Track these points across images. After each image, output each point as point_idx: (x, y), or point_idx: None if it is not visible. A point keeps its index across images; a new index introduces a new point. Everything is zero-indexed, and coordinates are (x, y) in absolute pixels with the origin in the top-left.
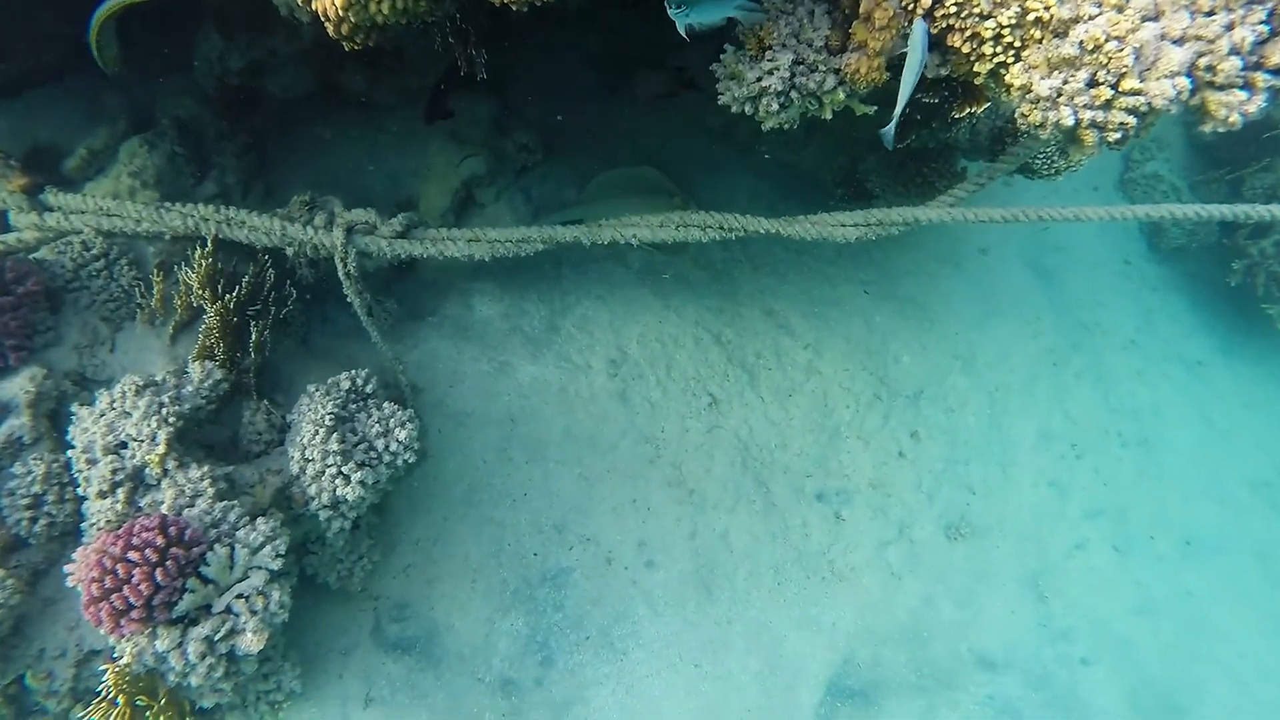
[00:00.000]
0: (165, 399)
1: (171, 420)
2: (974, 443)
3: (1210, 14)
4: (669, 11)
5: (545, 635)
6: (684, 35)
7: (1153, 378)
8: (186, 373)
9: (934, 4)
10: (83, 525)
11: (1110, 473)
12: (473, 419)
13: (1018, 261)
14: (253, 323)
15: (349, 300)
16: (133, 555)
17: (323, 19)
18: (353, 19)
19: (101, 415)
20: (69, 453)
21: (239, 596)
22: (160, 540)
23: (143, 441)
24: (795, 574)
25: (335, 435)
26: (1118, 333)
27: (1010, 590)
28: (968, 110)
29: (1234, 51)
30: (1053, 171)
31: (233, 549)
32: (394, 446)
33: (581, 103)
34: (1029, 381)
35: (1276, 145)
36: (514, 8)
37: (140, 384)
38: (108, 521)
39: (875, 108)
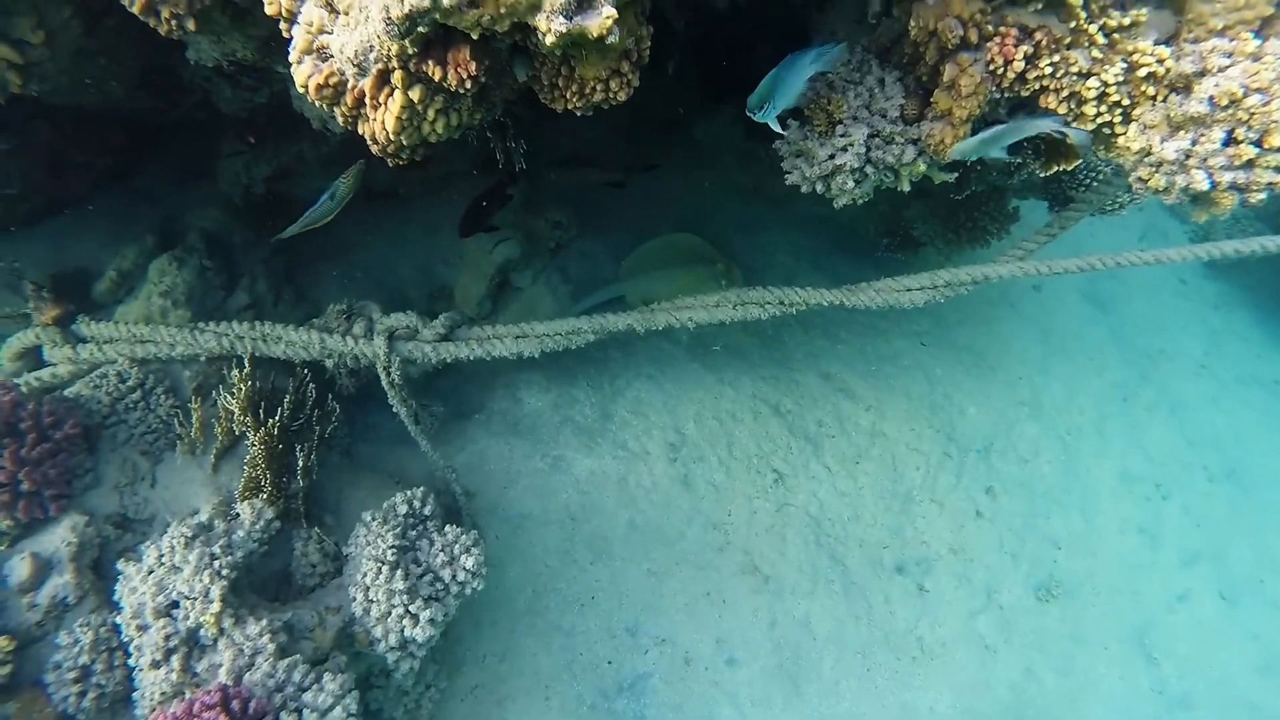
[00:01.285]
0: (217, 549)
1: (225, 573)
2: (1052, 493)
3: None
4: (754, 117)
5: None
6: (779, 131)
7: (1229, 403)
8: (236, 514)
9: (1027, 66)
10: (134, 695)
11: (1201, 512)
12: (531, 520)
13: (1073, 294)
14: (297, 446)
15: (394, 409)
16: None
17: (370, 141)
18: (404, 141)
19: (150, 572)
20: (117, 617)
21: None
22: (223, 719)
23: (196, 599)
24: (884, 657)
25: (399, 572)
26: (1185, 358)
27: (1115, 653)
28: (1055, 169)
29: None
30: (1117, 206)
31: (300, 714)
32: (461, 576)
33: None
34: (1100, 421)
35: None
36: (578, 112)
37: (189, 535)
38: (163, 694)
39: (955, 175)
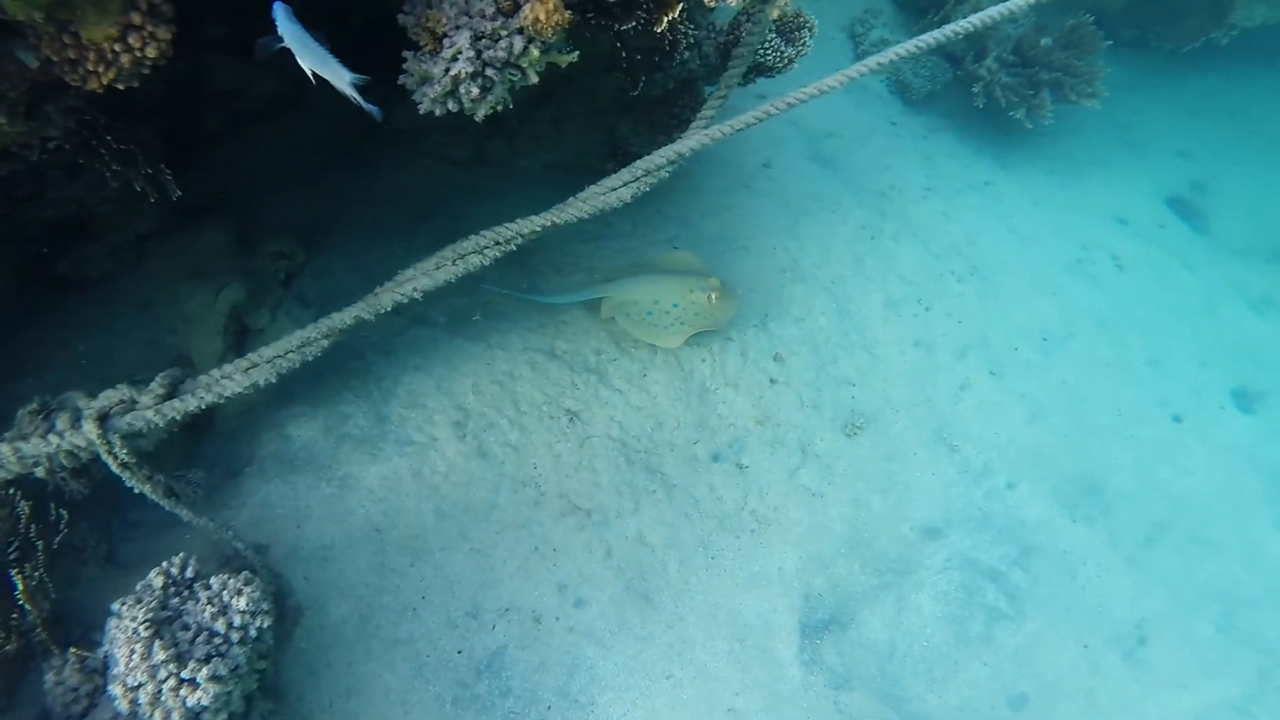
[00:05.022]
0: None
1: None
2: (833, 339)
3: None
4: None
5: None
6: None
7: (956, 212)
8: None
9: None
10: None
11: (959, 311)
12: (335, 548)
13: (801, 161)
14: (15, 572)
15: (137, 491)
16: None
17: None
18: None
19: None
20: None
21: None
22: None
23: None
24: (724, 541)
25: (159, 643)
26: (911, 187)
27: (923, 456)
28: (666, 19)
29: None
30: (785, 62)
31: None
32: (239, 620)
33: (324, 184)
34: (856, 263)
35: None
36: (121, 85)
37: None
38: None
39: (577, 52)
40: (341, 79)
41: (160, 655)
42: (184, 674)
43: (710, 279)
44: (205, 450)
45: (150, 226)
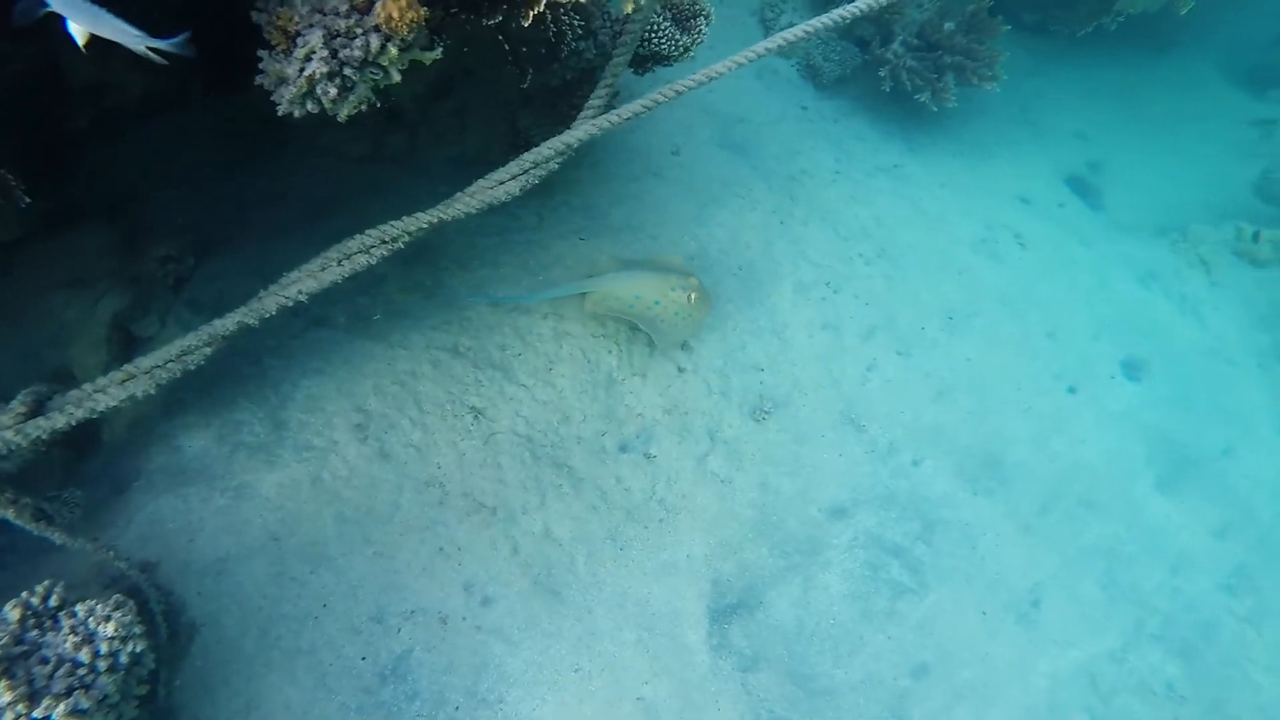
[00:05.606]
0: None
1: None
2: (741, 325)
3: None
4: None
5: None
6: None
7: (865, 196)
8: None
9: None
10: None
11: (867, 293)
12: (231, 560)
13: (711, 147)
14: None
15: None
16: None
17: None
18: None
19: None
20: None
21: None
22: None
23: None
24: (633, 531)
25: (5, 683)
26: (821, 172)
27: (831, 437)
28: (533, 12)
29: None
30: (681, 50)
31: None
32: (106, 648)
33: (217, 184)
34: (766, 248)
35: None
36: None
37: None
38: None
39: (440, 50)
40: (126, 34)
41: (5, 696)
42: (35, 713)
43: (690, 278)
44: (88, 467)
45: (13, 233)
